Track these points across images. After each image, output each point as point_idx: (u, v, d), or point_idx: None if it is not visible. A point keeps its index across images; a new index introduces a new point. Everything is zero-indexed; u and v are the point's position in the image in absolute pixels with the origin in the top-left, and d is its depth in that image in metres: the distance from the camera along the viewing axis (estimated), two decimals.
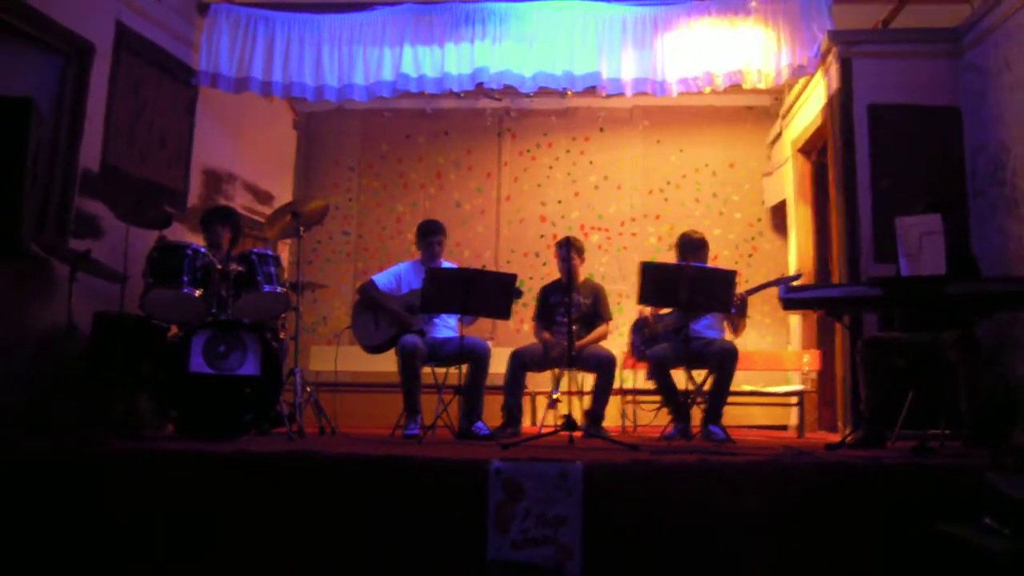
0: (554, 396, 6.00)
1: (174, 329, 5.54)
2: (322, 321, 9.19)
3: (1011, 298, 4.78)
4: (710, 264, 6.62)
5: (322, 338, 8.89)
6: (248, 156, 8.42)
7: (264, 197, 8.70)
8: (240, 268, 5.31)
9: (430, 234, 6.23)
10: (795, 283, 5.82)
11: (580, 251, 6.28)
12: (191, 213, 7.11)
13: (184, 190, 7.28)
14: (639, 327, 6.33)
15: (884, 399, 5.19)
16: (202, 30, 7.33)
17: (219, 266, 5.30)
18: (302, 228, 5.77)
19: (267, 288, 5.32)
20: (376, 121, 9.65)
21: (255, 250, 5.46)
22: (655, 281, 5.38)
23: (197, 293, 5.16)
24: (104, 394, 5.15)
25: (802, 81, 7.74)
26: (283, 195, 9.00)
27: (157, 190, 6.83)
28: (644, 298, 5.53)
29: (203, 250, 5.30)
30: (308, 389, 5.89)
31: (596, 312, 6.33)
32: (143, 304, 5.20)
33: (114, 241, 5.93)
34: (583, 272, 6.55)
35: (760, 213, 9.20)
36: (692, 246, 6.19)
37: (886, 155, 6.55)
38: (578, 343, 5.97)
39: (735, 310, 5.78)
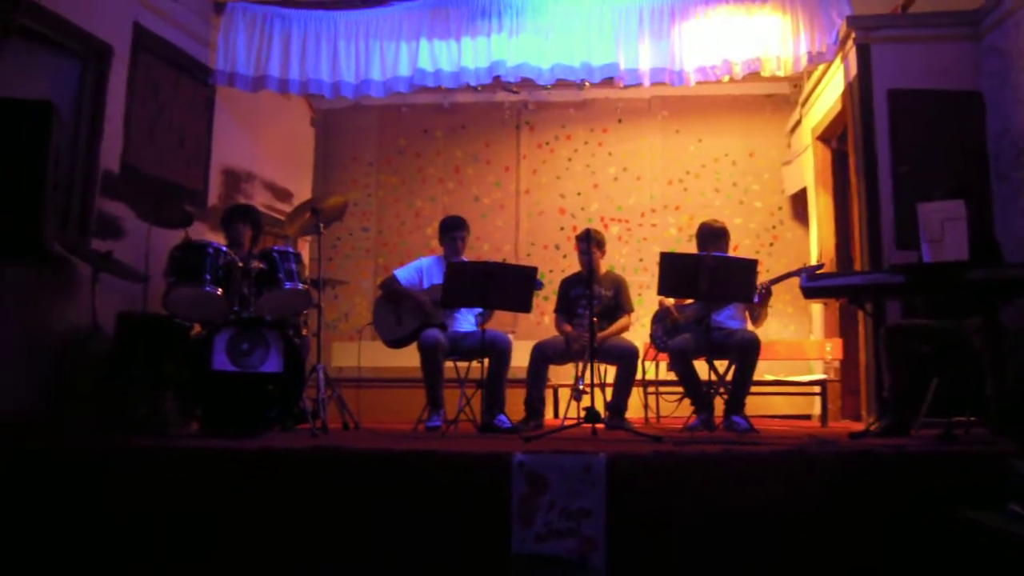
0: (580, 387, 6.01)
1: (197, 328, 5.58)
2: (343, 317, 9.22)
3: None
4: (731, 254, 6.59)
5: (344, 334, 8.93)
6: (267, 154, 8.45)
7: (283, 195, 8.73)
8: (261, 266, 5.34)
9: (453, 229, 6.24)
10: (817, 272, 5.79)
11: (600, 243, 6.27)
12: (211, 212, 7.15)
13: (204, 189, 7.31)
14: (661, 318, 6.31)
15: (908, 386, 5.16)
16: (218, 29, 7.35)
17: (241, 264, 5.32)
18: (322, 225, 5.78)
19: (288, 285, 5.35)
20: (393, 116, 9.66)
21: (276, 247, 5.49)
22: (675, 272, 5.36)
23: (219, 291, 5.19)
24: (128, 393, 5.18)
25: (821, 68, 7.68)
26: (302, 192, 9.03)
27: (177, 190, 6.87)
28: (664, 289, 5.51)
29: (224, 249, 5.33)
30: (331, 385, 5.91)
31: (618, 304, 6.32)
32: (166, 303, 5.24)
33: (136, 241, 5.97)
34: (604, 264, 6.54)
35: (780, 202, 9.15)
36: (712, 236, 6.17)
37: (907, 141, 6.49)
38: (600, 335, 5.96)
39: (759, 299, 5.76)
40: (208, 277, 5.17)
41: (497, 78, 7.35)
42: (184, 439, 4.66)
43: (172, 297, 5.20)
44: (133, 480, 3.92)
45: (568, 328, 6.23)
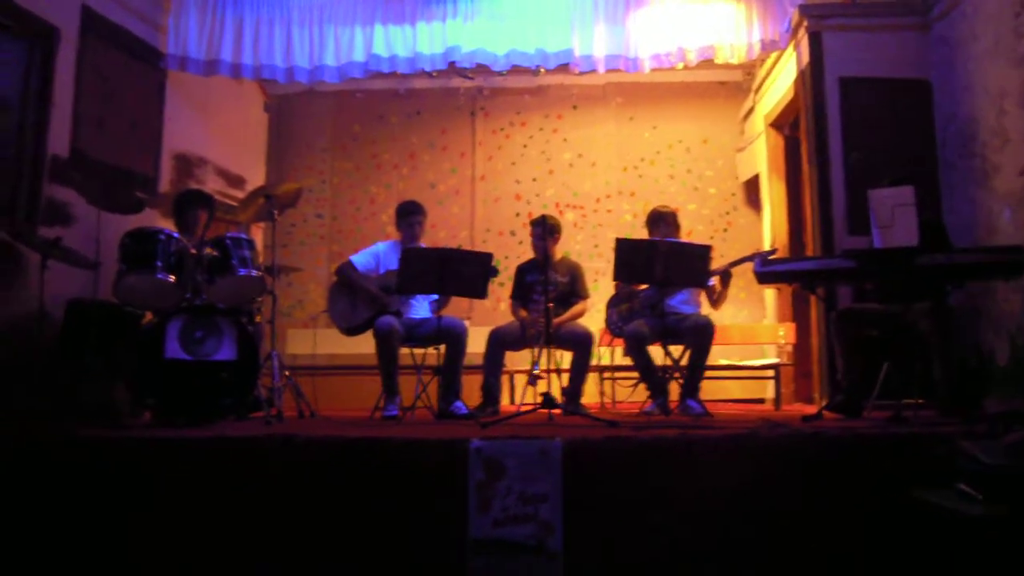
0: (535, 372, 6.03)
1: (149, 315, 5.50)
2: (298, 304, 9.15)
3: (981, 268, 4.82)
4: (684, 239, 6.64)
5: (298, 321, 8.87)
6: (219, 140, 8.35)
7: (236, 181, 8.64)
8: (214, 253, 5.27)
9: (410, 214, 6.21)
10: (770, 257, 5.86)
11: (553, 229, 6.24)
12: (163, 198, 7.05)
13: (155, 175, 7.20)
14: (615, 303, 6.34)
15: (859, 370, 5.25)
16: (170, 12, 7.23)
17: (193, 251, 5.26)
18: (276, 211, 5.73)
19: (242, 272, 5.29)
20: (348, 102, 9.59)
21: (229, 234, 5.42)
22: (630, 257, 5.38)
23: (171, 279, 5.11)
24: (79, 382, 5.11)
25: (774, 56, 7.76)
26: (255, 179, 8.93)
27: (128, 176, 6.76)
28: (619, 274, 5.53)
29: (176, 235, 5.25)
30: (286, 373, 5.87)
31: (573, 290, 6.33)
32: (116, 291, 5.16)
33: (86, 228, 5.87)
34: (559, 250, 6.56)
35: (734, 188, 9.24)
36: (661, 220, 6.21)
37: (858, 128, 6.58)
38: (555, 320, 5.97)
39: (712, 283, 5.81)
40: (160, 264, 5.08)
41: (452, 64, 7.31)
42: (136, 429, 4.60)
43: (123, 285, 5.11)
44: (84, 471, 3.87)
45: (523, 314, 6.24)
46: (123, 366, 5.17)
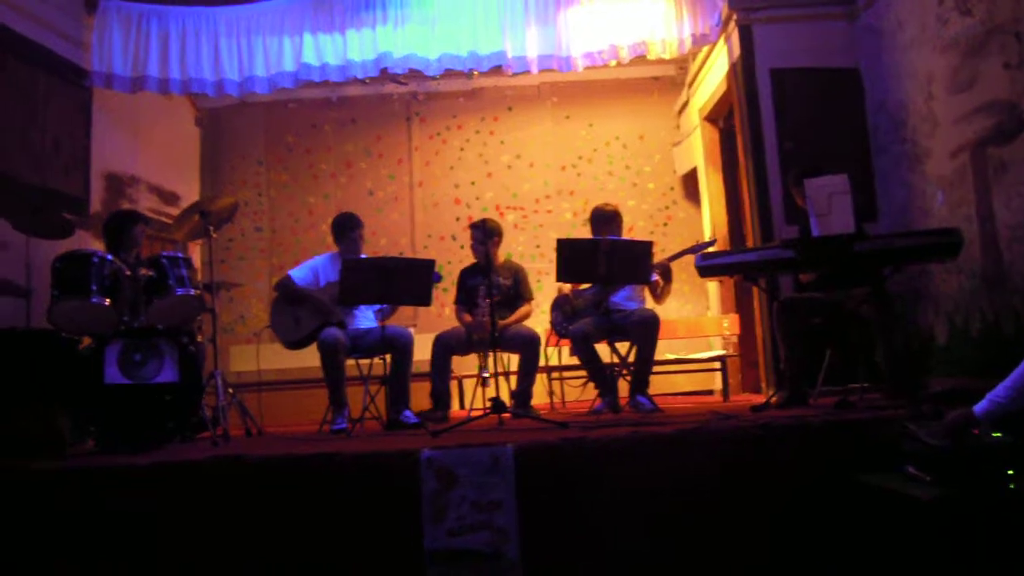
0: (485, 376, 6.00)
1: (86, 340, 5.37)
2: (240, 320, 9.03)
3: (916, 251, 4.89)
4: (626, 235, 6.66)
5: (241, 338, 8.74)
6: (150, 157, 8.19)
7: (170, 198, 8.49)
8: (150, 273, 5.17)
9: (350, 229, 6.13)
10: (711, 248, 5.89)
11: (492, 232, 6.20)
12: (94, 219, 6.89)
13: (85, 196, 7.04)
14: (559, 304, 6.33)
15: (804, 358, 5.30)
16: (92, 29, 7.08)
17: (128, 272, 5.15)
18: (212, 227, 5.63)
19: (180, 291, 5.19)
20: (281, 113, 9.49)
21: (165, 253, 5.32)
22: (572, 257, 5.38)
23: (107, 302, 5.00)
24: (16, 413, 4.96)
25: (705, 49, 7.81)
26: (190, 195, 8.78)
27: (56, 198, 6.59)
28: (563, 275, 5.53)
29: (110, 257, 5.14)
30: (230, 391, 5.78)
31: (517, 293, 6.32)
32: (51, 317, 5.03)
33: (15, 254, 5.70)
34: (501, 252, 6.53)
35: (672, 182, 9.30)
36: (604, 218, 6.21)
37: (791, 118, 6.66)
38: (501, 323, 5.95)
39: (655, 278, 5.83)
40: (94, 287, 4.97)
41: (385, 70, 7.26)
42: (79, 458, 4.48)
43: (57, 310, 4.98)
44: (28, 504, 3.76)
45: (468, 318, 6.21)
46: (62, 394, 5.03)
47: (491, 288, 5.61)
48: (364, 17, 7.11)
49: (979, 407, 3.23)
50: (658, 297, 6.15)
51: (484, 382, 6.15)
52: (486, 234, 5.97)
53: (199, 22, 7.18)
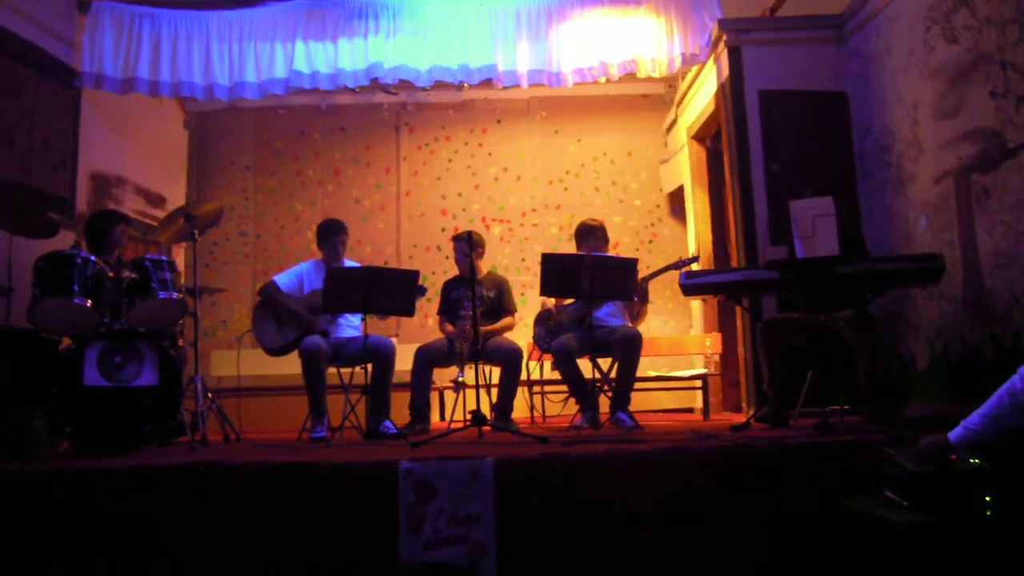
0: (459, 379, 5.99)
1: (66, 341, 5.34)
2: (222, 325, 8.99)
3: (899, 276, 4.93)
4: (611, 251, 6.67)
5: (223, 342, 8.71)
6: (138, 158, 8.16)
7: (156, 200, 8.46)
8: (133, 275, 5.14)
9: (333, 235, 6.13)
10: (694, 265, 5.92)
11: (476, 244, 6.19)
12: (79, 220, 6.86)
13: (71, 196, 7.01)
14: (543, 319, 6.34)
15: (785, 379, 5.32)
16: (84, 29, 7.07)
17: (111, 274, 5.12)
18: (197, 231, 5.61)
19: (162, 295, 5.16)
20: (270, 118, 9.47)
21: (148, 256, 5.29)
22: (557, 272, 5.39)
23: (89, 303, 4.97)
24: None
25: (695, 69, 7.85)
26: (176, 197, 8.76)
27: (41, 197, 6.56)
28: (547, 290, 5.53)
29: (93, 258, 5.11)
30: (210, 396, 5.75)
31: (500, 305, 6.32)
32: (31, 316, 4.98)
33: None
34: (485, 264, 6.54)
35: (659, 200, 9.33)
36: (590, 233, 6.24)
37: (778, 140, 6.69)
38: (483, 329, 5.95)
39: (636, 297, 5.84)
40: (76, 288, 4.93)
41: (375, 80, 7.27)
42: (54, 460, 4.45)
43: (38, 310, 4.94)
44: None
45: (450, 328, 6.20)
46: (39, 394, 4.99)
47: (474, 300, 5.60)
48: (356, 27, 7.13)
49: (953, 434, 3.26)
50: (634, 318, 6.16)
51: (457, 387, 6.13)
52: (471, 246, 5.97)
53: (191, 26, 7.18)
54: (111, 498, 3.74)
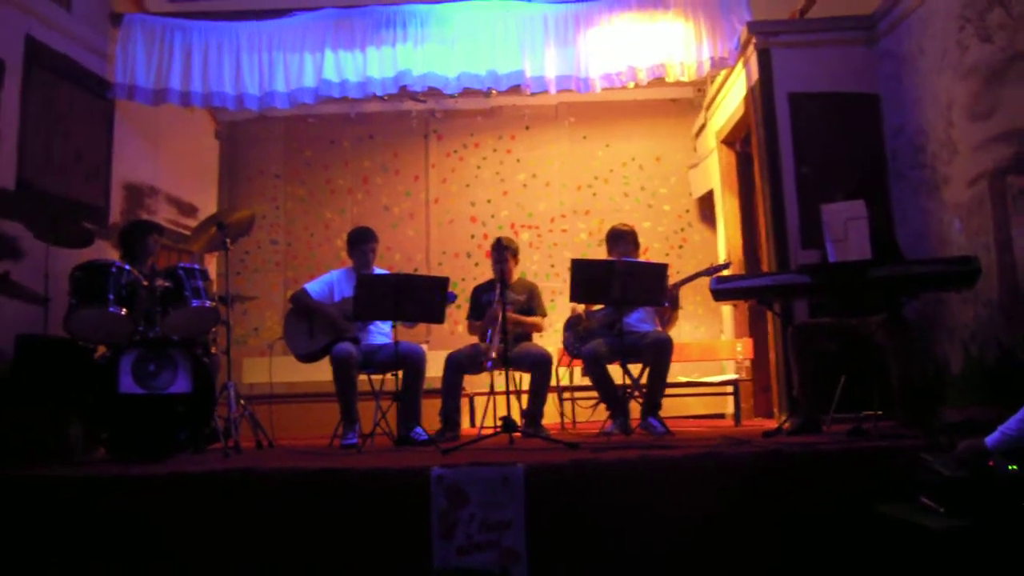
0: (489, 353, 5.95)
1: (101, 349, 5.40)
2: (253, 333, 9.05)
3: (933, 279, 4.87)
4: (641, 256, 6.66)
5: (254, 350, 8.75)
6: (170, 168, 8.25)
7: (188, 209, 8.54)
8: (167, 284, 5.20)
9: (363, 242, 6.16)
10: (725, 272, 5.88)
11: (514, 252, 6.26)
12: (113, 229, 6.94)
13: (105, 206, 7.11)
14: (572, 324, 6.33)
15: (817, 384, 5.26)
16: (116, 41, 7.16)
17: (145, 283, 5.18)
18: (228, 239, 5.66)
19: (195, 303, 5.22)
20: (300, 127, 9.53)
21: (181, 264, 5.36)
22: (587, 278, 5.38)
23: (124, 312, 5.04)
24: (30, 419, 4.98)
25: (724, 72, 7.82)
26: (207, 206, 8.83)
27: (76, 207, 6.65)
28: (576, 295, 5.53)
29: (128, 268, 5.18)
30: (242, 403, 5.79)
31: (530, 309, 6.32)
32: (68, 325, 5.07)
33: (34, 261, 5.75)
34: (516, 271, 6.54)
35: (688, 204, 9.30)
36: (621, 238, 6.22)
37: (809, 143, 6.65)
38: (512, 316, 5.96)
39: (667, 303, 5.82)
40: (111, 297, 5.01)
41: (404, 87, 7.30)
42: (90, 466, 4.50)
43: (75, 318, 5.03)
44: (37, 510, 3.78)
45: (482, 344, 6.18)
46: (76, 401, 5.06)
47: (505, 305, 5.58)
48: (384, 35, 7.16)
49: (991, 439, 3.21)
50: (664, 324, 6.14)
51: (492, 365, 6.01)
52: (505, 253, 5.98)
53: (221, 37, 7.24)
54: (147, 504, 3.78)
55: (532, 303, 6.35)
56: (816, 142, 6.64)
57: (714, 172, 8.59)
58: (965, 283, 4.80)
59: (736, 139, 8.16)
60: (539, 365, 6.02)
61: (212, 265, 8.53)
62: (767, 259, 6.89)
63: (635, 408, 5.95)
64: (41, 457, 4.73)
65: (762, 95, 6.82)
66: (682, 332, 7.99)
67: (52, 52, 6.51)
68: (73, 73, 6.76)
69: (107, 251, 6.77)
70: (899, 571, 3.39)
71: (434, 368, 6.11)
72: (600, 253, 6.40)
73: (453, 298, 5.61)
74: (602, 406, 6.15)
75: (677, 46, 7.03)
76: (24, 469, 4.15)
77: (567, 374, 7.15)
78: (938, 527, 3.09)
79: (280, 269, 9.33)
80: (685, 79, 7.20)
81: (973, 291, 5.21)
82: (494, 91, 7.82)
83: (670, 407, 6.63)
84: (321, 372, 6.01)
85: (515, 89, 7.42)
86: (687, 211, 9.29)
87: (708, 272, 5.89)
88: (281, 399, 7.36)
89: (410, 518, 3.68)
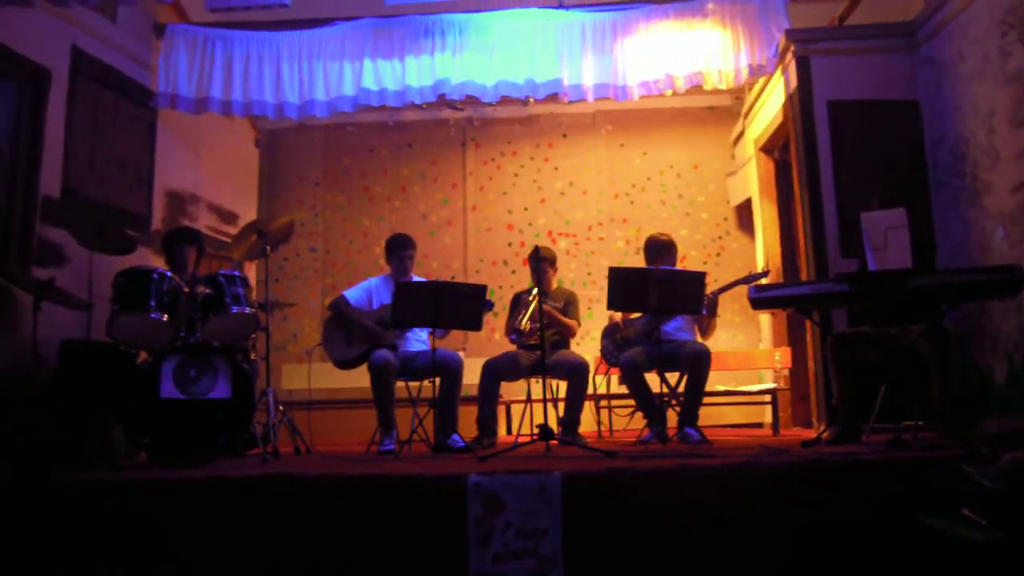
0: (520, 328, 6.03)
1: (143, 355, 5.48)
2: (292, 339, 9.12)
3: (975, 288, 4.82)
4: (679, 265, 6.64)
5: (293, 356, 8.83)
6: (211, 176, 8.35)
7: (229, 217, 8.64)
8: (208, 290, 5.26)
9: (400, 248, 6.20)
10: (763, 280, 5.85)
11: (552, 261, 6.30)
12: (155, 237, 7.03)
13: (147, 214, 7.21)
14: (610, 332, 6.33)
15: (856, 393, 5.22)
16: (159, 52, 7.27)
17: (186, 289, 5.24)
18: (268, 247, 5.72)
19: (235, 309, 5.28)
20: (339, 136, 9.61)
21: (222, 271, 5.41)
22: (624, 286, 5.38)
23: (165, 318, 5.10)
24: (74, 424, 5.06)
25: (762, 80, 7.78)
26: (248, 214, 8.92)
27: (119, 214, 6.76)
28: (614, 303, 5.52)
29: (169, 274, 5.24)
30: (281, 408, 5.84)
31: (566, 315, 6.32)
32: (110, 331, 5.14)
33: (78, 268, 5.83)
34: (555, 279, 6.56)
35: (726, 212, 9.26)
36: (660, 248, 6.20)
37: (848, 150, 6.60)
38: (548, 307, 6.01)
39: (705, 311, 5.79)
40: (153, 303, 5.07)
41: (442, 96, 7.34)
42: (132, 470, 4.56)
43: (117, 324, 5.09)
44: (81, 514, 3.83)
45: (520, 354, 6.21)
46: (118, 406, 5.13)
47: (542, 316, 5.58)
48: (423, 44, 7.21)
49: None
50: (704, 331, 6.12)
51: (519, 340, 6.14)
52: (543, 262, 6.01)
53: (262, 46, 7.32)
54: (188, 508, 3.82)
55: (568, 310, 6.35)
56: (855, 150, 6.59)
57: (752, 180, 8.55)
58: (1008, 292, 4.74)
59: (774, 147, 8.11)
60: (576, 373, 6.03)
61: (252, 272, 8.61)
62: (806, 267, 6.84)
63: (672, 417, 5.93)
64: (84, 461, 4.79)
65: (801, 102, 6.78)
66: (720, 341, 7.95)
67: (97, 62, 6.62)
68: (117, 83, 6.87)
69: (149, 258, 6.86)
70: None
71: (471, 375, 6.13)
72: (638, 261, 6.40)
73: (491, 306, 5.63)
74: (639, 415, 6.14)
75: (715, 54, 7.01)
76: (67, 473, 4.20)
77: (604, 382, 7.14)
78: (979, 539, 3.06)
79: (319, 276, 9.41)
80: (723, 87, 7.19)
81: (1016, 300, 5.14)
82: (532, 99, 7.85)
83: (707, 416, 6.60)
84: (359, 379, 6.04)
85: (553, 97, 7.44)
86: (725, 219, 9.25)
87: (746, 280, 5.87)
88: (319, 405, 7.41)
89: (447, 525, 3.68)
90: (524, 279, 6.54)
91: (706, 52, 7.03)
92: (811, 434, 5.75)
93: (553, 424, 5.29)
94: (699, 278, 5.42)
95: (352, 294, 6.16)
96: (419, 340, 6.15)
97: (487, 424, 6.02)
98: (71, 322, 5.62)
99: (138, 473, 4.27)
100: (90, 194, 6.48)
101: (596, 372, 6.78)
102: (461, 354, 6.09)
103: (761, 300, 5.25)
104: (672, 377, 6.08)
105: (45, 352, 5.27)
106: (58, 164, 6.16)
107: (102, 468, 4.59)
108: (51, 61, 6.13)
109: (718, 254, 9.16)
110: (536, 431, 5.05)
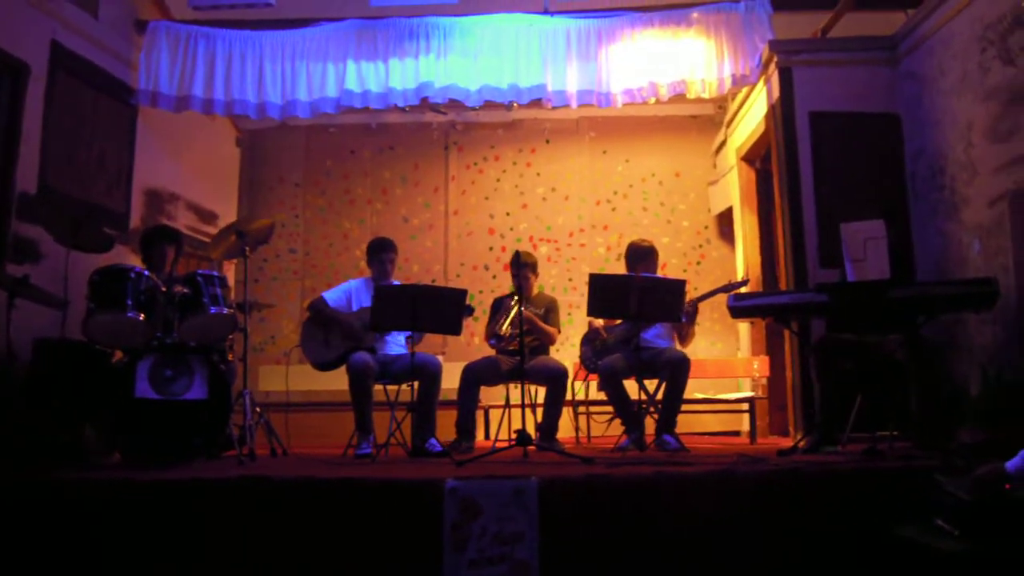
0: (499, 332, 6.05)
1: (118, 354, 5.43)
2: (270, 340, 9.08)
3: (952, 300, 4.86)
4: (660, 272, 6.65)
5: (271, 357, 8.79)
6: (191, 175, 8.30)
7: (208, 216, 8.59)
8: (185, 290, 5.21)
9: (381, 251, 6.18)
10: (743, 289, 5.87)
11: (533, 267, 6.31)
12: (133, 235, 6.98)
13: (126, 211, 7.16)
14: (590, 339, 6.33)
15: (833, 402, 5.24)
16: (141, 48, 7.23)
17: (164, 288, 5.20)
18: (247, 247, 5.69)
19: (213, 310, 5.22)
20: (320, 137, 9.58)
21: (200, 271, 5.36)
22: (605, 292, 5.38)
23: (141, 317, 5.05)
24: (47, 423, 5.01)
25: (745, 90, 7.81)
26: (227, 214, 8.89)
27: (97, 212, 6.69)
28: (594, 310, 5.53)
29: (147, 273, 5.19)
30: (258, 410, 5.81)
31: (547, 321, 6.32)
32: (85, 329, 5.08)
33: (54, 265, 5.79)
34: (535, 285, 6.55)
35: (707, 221, 9.28)
36: (641, 254, 6.21)
37: (829, 162, 6.63)
38: (527, 314, 6.00)
39: (685, 318, 5.80)
40: (130, 302, 5.01)
41: (425, 99, 7.33)
42: (105, 470, 4.52)
43: (93, 323, 5.03)
44: (53, 515, 3.79)
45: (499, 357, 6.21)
46: (92, 406, 5.08)
47: (522, 320, 5.58)
48: (407, 47, 7.20)
49: (1012, 463, 3.18)
50: (683, 339, 6.13)
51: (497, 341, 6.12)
52: (524, 268, 6.01)
53: (245, 45, 7.29)
54: (161, 509, 3.79)
55: (548, 316, 6.35)
56: (836, 161, 6.62)
57: (734, 189, 8.58)
58: (984, 304, 4.79)
59: (756, 156, 8.15)
60: (555, 379, 6.03)
61: (231, 272, 8.57)
62: (785, 277, 6.87)
63: (650, 424, 5.93)
64: (56, 461, 4.74)
65: (783, 113, 6.81)
66: (698, 348, 7.97)
67: (77, 58, 6.57)
68: (97, 79, 6.82)
69: (127, 256, 6.81)
70: None
71: (450, 380, 6.11)
72: (619, 268, 6.40)
73: (471, 311, 5.62)
74: (617, 421, 6.14)
75: (699, 63, 7.04)
76: (39, 472, 4.16)
77: (583, 388, 7.14)
78: (952, 550, 3.07)
79: (298, 278, 9.36)
80: (706, 96, 7.21)
81: (992, 313, 5.18)
82: (515, 104, 7.85)
83: (685, 423, 6.61)
84: (337, 381, 6.02)
85: (536, 103, 7.45)
86: (706, 227, 9.28)
87: (726, 289, 5.89)
88: (296, 407, 7.37)
89: (422, 530, 3.67)
90: (505, 284, 6.52)
91: (690, 61, 7.06)
92: (788, 442, 5.77)
93: (531, 429, 5.29)
94: (679, 286, 5.44)
95: (331, 296, 6.13)
96: (398, 343, 6.13)
97: (465, 428, 6.01)
98: (46, 320, 5.56)
99: (111, 473, 4.24)
100: (68, 191, 6.42)
101: (575, 378, 6.78)
102: (440, 358, 6.08)
103: (740, 309, 5.26)
104: (651, 384, 6.08)
105: (18, 350, 5.21)
106: (35, 160, 6.10)
107: (74, 468, 4.53)
108: (30, 55, 6.08)
109: (698, 262, 9.19)
110: (514, 436, 5.04)
